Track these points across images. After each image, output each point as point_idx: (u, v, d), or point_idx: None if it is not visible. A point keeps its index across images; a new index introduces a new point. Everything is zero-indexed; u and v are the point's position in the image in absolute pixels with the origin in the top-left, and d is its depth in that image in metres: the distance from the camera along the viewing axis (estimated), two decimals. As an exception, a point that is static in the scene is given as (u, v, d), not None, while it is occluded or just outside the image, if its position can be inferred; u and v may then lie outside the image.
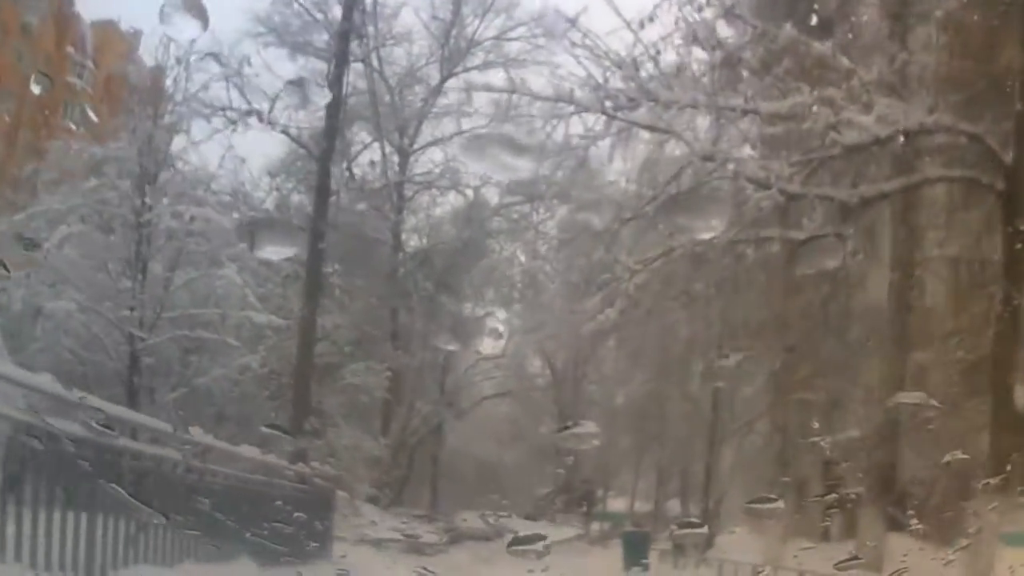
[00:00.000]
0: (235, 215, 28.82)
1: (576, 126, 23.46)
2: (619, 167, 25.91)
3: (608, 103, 21.37)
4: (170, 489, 13.07)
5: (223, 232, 24.05)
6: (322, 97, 30.83)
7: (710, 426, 29.75)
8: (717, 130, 20.56)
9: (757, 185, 19.23)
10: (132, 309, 23.11)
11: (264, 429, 15.82)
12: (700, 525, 10.11)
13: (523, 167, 3.82)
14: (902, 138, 18.39)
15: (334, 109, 27.28)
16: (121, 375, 23.71)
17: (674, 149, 24.32)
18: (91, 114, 28.77)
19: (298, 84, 32.15)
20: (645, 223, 22.63)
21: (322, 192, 27.00)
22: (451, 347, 36.34)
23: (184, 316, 23.73)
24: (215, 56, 28.89)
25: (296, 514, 16.35)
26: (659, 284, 21.72)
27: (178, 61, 25.09)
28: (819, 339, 23.59)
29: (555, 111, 22.54)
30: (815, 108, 18.87)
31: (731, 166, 19.98)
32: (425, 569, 11.52)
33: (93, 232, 24.13)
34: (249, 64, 30.20)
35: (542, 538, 5.44)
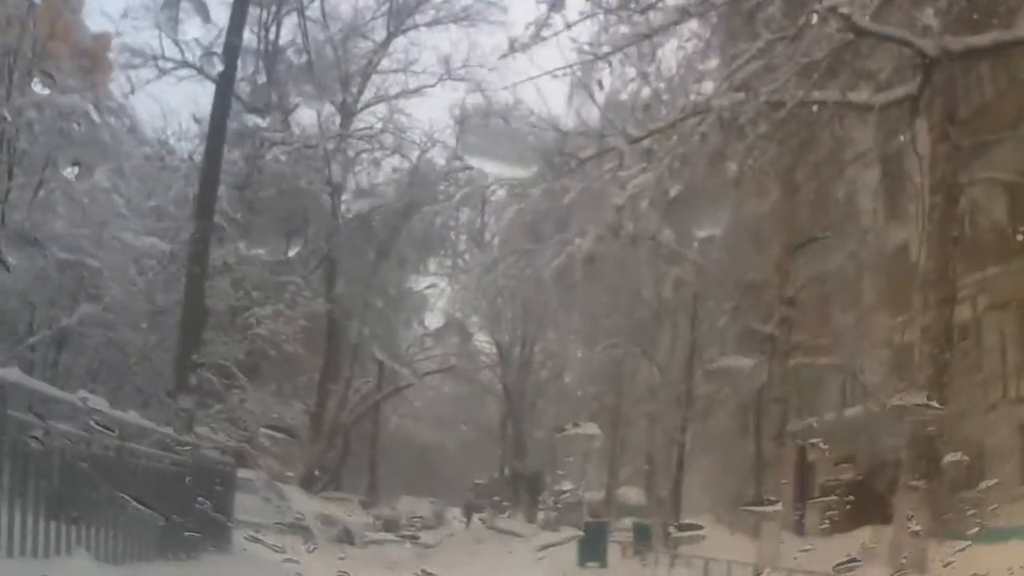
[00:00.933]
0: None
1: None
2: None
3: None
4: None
5: (95, 128, 17.20)
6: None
7: (682, 401, 23.27)
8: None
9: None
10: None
11: (264, 430, 10.31)
12: (699, 527, 9.15)
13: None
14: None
15: (233, 45, 20.91)
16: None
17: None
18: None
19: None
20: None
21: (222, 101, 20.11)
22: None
23: (47, 239, 16.78)
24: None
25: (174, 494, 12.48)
26: (653, 193, 15.12)
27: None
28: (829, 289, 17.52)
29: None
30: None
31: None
32: (424, 571, 8.28)
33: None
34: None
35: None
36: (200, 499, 14.37)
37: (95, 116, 16.15)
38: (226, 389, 19.13)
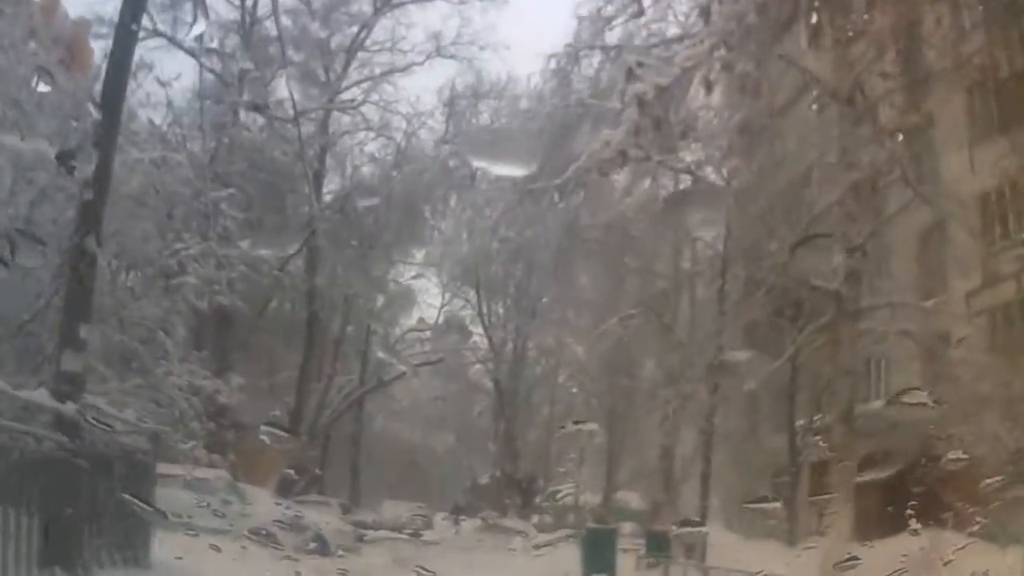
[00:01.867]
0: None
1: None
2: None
3: None
4: None
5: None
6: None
7: (710, 384, 18.03)
8: None
9: None
10: None
11: (264, 428, 7.93)
12: (701, 523, 8.94)
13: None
14: None
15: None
16: None
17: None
18: None
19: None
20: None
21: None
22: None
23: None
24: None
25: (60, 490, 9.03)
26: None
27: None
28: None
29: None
30: None
31: None
32: (424, 569, 7.26)
33: None
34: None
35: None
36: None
37: (94, 113, 10.98)
38: (153, 359, 13.87)
